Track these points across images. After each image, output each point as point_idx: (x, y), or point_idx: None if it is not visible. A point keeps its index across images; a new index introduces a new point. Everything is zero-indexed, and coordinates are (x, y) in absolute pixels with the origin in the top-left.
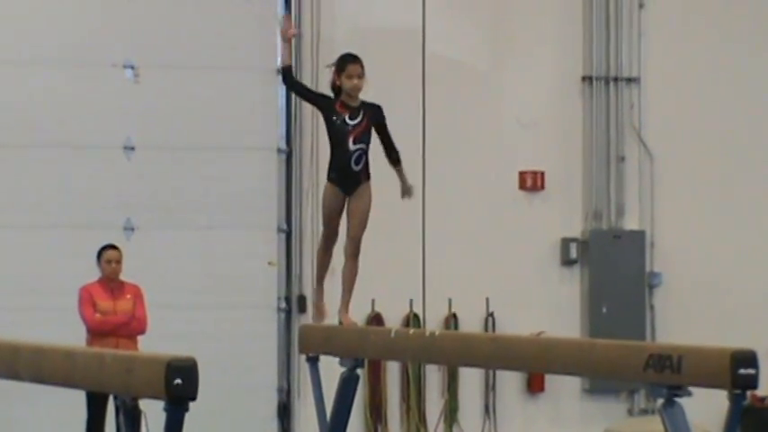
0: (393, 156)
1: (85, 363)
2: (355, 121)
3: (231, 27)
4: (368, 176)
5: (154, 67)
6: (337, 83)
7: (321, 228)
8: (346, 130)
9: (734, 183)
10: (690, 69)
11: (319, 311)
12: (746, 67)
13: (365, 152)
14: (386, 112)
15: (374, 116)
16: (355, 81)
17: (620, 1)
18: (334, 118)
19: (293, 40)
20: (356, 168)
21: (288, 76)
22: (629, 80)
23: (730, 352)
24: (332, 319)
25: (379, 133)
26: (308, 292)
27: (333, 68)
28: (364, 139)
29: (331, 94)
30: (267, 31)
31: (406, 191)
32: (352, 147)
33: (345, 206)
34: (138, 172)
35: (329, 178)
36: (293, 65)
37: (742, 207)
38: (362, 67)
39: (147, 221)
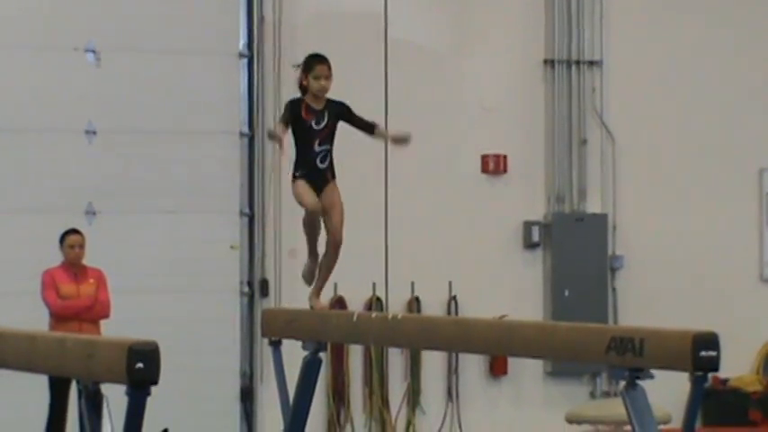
0: (369, 129)
1: (47, 347)
2: (321, 126)
3: (193, 11)
4: (333, 175)
5: (115, 51)
6: (304, 83)
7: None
8: (313, 134)
9: (695, 166)
10: (652, 53)
11: (312, 276)
12: (708, 50)
13: (329, 152)
14: (348, 97)
15: (340, 115)
16: (322, 82)
17: None
18: (302, 122)
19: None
20: (322, 166)
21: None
22: (591, 63)
23: (692, 334)
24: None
25: (350, 123)
26: (271, 276)
27: (299, 68)
28: (329, 140)
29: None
30: (229, 15)
31: (400, 139)
32: (317, 148)
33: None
34: (99, 156)
35: (296, 177)
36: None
37: (703, 190)
38: (330, 67)
39: (108, 206)
